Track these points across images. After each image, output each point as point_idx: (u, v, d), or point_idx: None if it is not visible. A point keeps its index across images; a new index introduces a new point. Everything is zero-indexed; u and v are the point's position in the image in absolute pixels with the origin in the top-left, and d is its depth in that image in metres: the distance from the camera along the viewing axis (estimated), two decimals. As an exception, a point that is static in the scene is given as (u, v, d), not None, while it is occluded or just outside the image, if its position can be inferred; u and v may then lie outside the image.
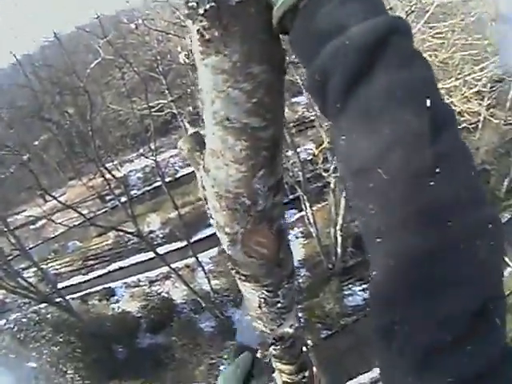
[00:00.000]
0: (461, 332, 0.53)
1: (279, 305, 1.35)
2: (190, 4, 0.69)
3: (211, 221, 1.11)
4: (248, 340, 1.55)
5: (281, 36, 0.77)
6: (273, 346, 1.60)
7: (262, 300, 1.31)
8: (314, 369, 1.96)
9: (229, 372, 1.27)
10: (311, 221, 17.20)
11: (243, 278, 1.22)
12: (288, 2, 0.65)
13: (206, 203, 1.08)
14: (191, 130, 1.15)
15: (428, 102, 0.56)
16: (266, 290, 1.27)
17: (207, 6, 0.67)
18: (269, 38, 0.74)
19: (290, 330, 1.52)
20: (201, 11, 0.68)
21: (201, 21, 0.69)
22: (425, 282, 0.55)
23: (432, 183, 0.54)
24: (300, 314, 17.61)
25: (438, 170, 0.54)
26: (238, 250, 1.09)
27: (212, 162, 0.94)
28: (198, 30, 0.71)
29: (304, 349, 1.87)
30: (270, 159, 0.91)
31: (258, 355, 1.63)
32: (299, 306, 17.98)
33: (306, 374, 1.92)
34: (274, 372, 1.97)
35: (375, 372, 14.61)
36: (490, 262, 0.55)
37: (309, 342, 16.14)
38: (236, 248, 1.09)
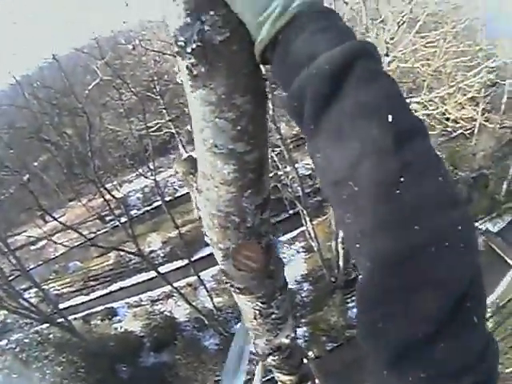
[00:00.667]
0: (434, 329, 0.55)
1: (274, 316, 1.41)
2: (178, 43, 0.75)
3: (206, 238, 1.19)
4: (236, 365, 1.59)
5: (261, 66, 0.84)
6: (271, 357, 1.64)
7: (257, 312, 1.38)
8: (317, 381, 1.99)
9: None
10: (312, 235, 17.19)
11: (238, 290, 1.30)
12: (267, 37, 0.72)
13: (201, 222, 1.17)
14: (185, 154, 1.22)
15: (390, 117, 0.60)
16: (261, 302, 1.33)
17: (194, 46, 0.74)
18: (251, 70, 0.81)
19: (287, 341, 1.58)
20: (188, 50, 0.75)
21: (189, 58, 0.76)
22: (400, 282, 0.57)
23: (398, 191, 0.57)
24: (305, 328, 17.59)
25: (402, 179, 0.57)
26: (230, 265, 1.19)
27: (204, 183, 1.04)
28: (187, 67, 0.78)
29: (305, 361, 1.94)
30: (256, 180, 1.00)
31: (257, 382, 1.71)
32: (303, 320, 17.95)
33: None
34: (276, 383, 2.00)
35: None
36: (462, 263, 0.57)
37: (310, 353, 16.06)
38: (229, 262, 1.19)
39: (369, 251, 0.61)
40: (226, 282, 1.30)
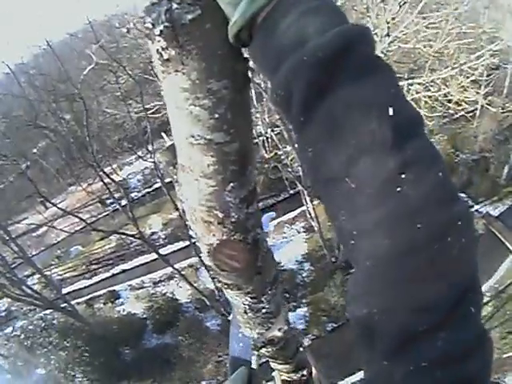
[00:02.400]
0: (435, 321, 0.55)
1: (264, 310, 1.36)
2: (146, 25, 0.69)
3: (190, 232, 1.16)
4: (241, 353, 1.57)
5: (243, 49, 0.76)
6: (264, 349, 1.62)
7: (247, 307, 1.33)
8: (313, 368, 2.00)
9: None
10: (313, 215, 17.18)
11: (225, 286, 1.24)
12: (244, 17, 0.65)
13: (184, 215, 1.10)
14: (169, 143, 1.13)
15: (391, 111, 0.57)
16: (250, 297, 1.28)
17: (162, 27, 0.67)
18: (228, 52, 0.73)
19: (279, 334, 1.54)
20: (157, 32, 0.68)
21: (158, 41, 0.69)
22: (401, 278, 0.56)
23: (398, 189, 0.56)
24: (305, 308, 17.62)
25: (403, 176, 0.56)
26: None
27: (183, 176, 0.96)
28: (157, 50, 0.71)
29: (301, 349, 1.92)
30: (239, 172, 0.91)
31: (254, 366, 1.66)
32: (304, 300, 17.98)
33: (305, 372, 1.98)
34: (273, 371, 2.01)
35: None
36: (462, 258, 0.57)
37: (305, 341, 16.14)
38: (212, 259, 1.12)
39: (367, 249, 0.59)
40: (213, 278, 1.24)
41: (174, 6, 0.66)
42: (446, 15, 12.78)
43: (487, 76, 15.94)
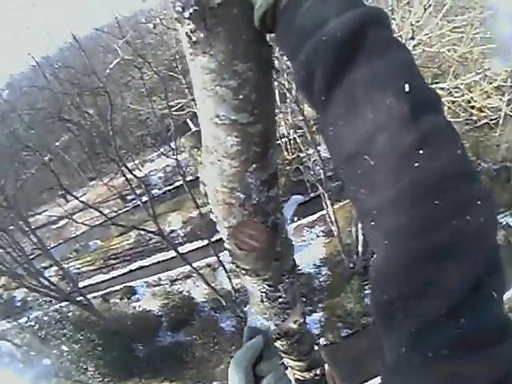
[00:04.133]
0: (453, 305, 0.54)
1: (281, 299, 1.36)
2: (176, 8, 0.71)
3: (211, 215, 1.14)
4: (259, 323, 1.51)
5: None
6: (279, 341, 1.61)
7: (264, 294, 1.33)
8: (327, 367, 1.97)
9: (239, 355, 1.25)
10: (332, 219, 17.16)
11: (243, 272, 1.24)
12: (266, 3, 0.67)
13: (207, 198, 1.10)
14: (194, 128, 1.19)
15: (407, 87, 0.57)
16: (267, 285, 1.28)
17: (191, 10, 0.69)
18: (253, 36, 0.76)
19: (295, 326, 1.53)
20: (186, 15, 0.70)
21: (188, 24, 0.72)
22: (419, 258, 0.55)
23: (416, 164, 0.55)
24: (321, 313, 17.59)
25: (421, 152, 0.55)
26: (234, 243, 1.12)
27: (207, 157, 0.98)
28: (186, 33, 0.73)
29: (316, 348, 1.89)
30: (262, 154, 0.93)
31: (270, 337, 1.57)
32: (320, 305, 17.95)
33: (318, 371, 1.94)
34: (286, 369, 1.94)
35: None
36: (482, 237, 0.56)
37: (321, 340, 16.16)
38: (232, 241, 1.12)
39: (385, 228, 0.59)
40: (232, 263, 1.24)
41: None
42: (470, 19, 12.74)
43: (511, 82, 15.77)
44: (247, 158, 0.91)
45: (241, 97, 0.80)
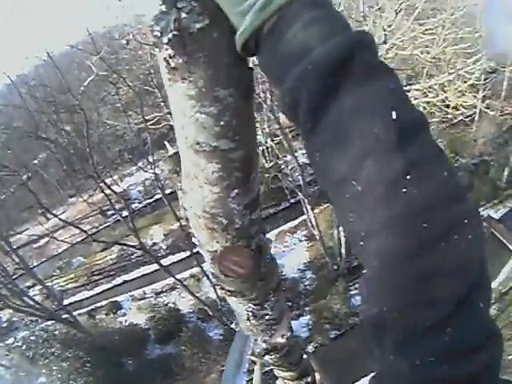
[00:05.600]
0: (441, 316, 0.57)
1: (267, 317, 1.37)
2: (154, 33, 0.70)
3: (193, 239, 1.15)
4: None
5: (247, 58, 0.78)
6: (267, 356, 1.63)
7: (250, 313, 1.34)
8: (317, 375, 1.99)
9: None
10: (314, 223, 17.19)
11: (228, 293, 1.25)
12: (250, 28, 0.67)
13: (188, 223, 1.12)
14: (172, 151, 1.17)
15: (394, 114, 0.58)
16: (253, 304, 1.29)
17: (170, 35, 0.69)
18: (234, 61, 0.75)
19: (283, 340, 1.55)
20: (165, 40, 0.69)
21: (166, 49, 0.70)
22: (409, 278, 0.58)
23: (404, 189, 0.57)
24: (308, 316, 17.60)
25: (408, 177, 0.57)
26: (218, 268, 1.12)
27: (188, 183, 0.98)
28: (164, 58, 0.72)
29: (304, 356, 1.93)
30: (243, 179, 0.93)
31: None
32: (307, 308, 17.97)
33: (309, 379, 1.98)
34: (277, 379, 2.03)
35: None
36: (470, 254, 0.58)
37: (309, 348, 16.13)
38: (217, 265, 1.12)
39: (375, 250, 0.60)
40: (216, 285, 1.26)
41: (183, 15, 0.68)
42: (442, 21, 12.83)
43: (484, 80, 15.99)
44: (229, 184, 0.91)
45: (222, 123, 0.79)
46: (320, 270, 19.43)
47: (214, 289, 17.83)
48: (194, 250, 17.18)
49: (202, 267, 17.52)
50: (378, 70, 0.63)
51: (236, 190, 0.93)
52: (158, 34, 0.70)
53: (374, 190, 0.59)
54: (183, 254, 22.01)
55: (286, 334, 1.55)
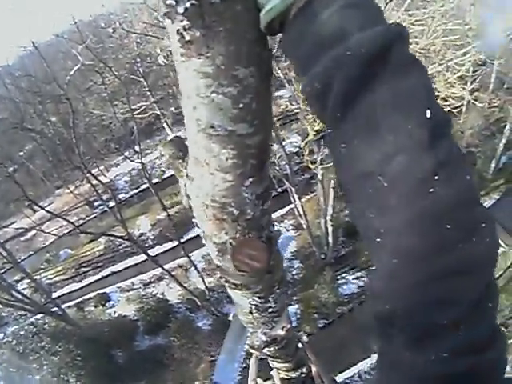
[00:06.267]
0: (458, 315, 0.58)
1: (270, 310, 1.34)
2: (168, 2, 0.62)
3: (197, 230, 1.08)
4: (225, 380, 1.52)
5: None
6: (266, 348, 1.61)
7: (253, 306, 1.30)
8: (313, 366, 1.98)
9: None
10: (301, 213, 17.22)
11: (233, 286, 1.20)
12: (282, 5, 0.63)
13: (191, 212, 1.04)
14: (172, 135, 1.10)
15: (428, 113, 0.58)
16: (258, 297, 1.26)
17: (188, 4, 0.61)
18: (256, 38, 0.69)
19: (282, 332, 1.53)
20: (180, 10, 0.62)
21: (181, 20, 0.63)
22: (428, 277, 0.58)
23: (432, 189, 0.57)
24: (296, 306, 17.66)
25: (436, 177, 0.57)
26: (227, 261, 1.07)
27: (196, 170, 0.91)
28: (177, 31, 0.65)
29: (300, 345, 1.92)
30: (259, 167, 0.87)
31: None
32: (294, 298, 18.03)
33: (304, 370, 1.98)
34: (271, 370, 2.01)
35: (374, 358, 14.73)
36: (487, 256, 0.60)
37: (304, 337, 16.25)
38: (225, 258, 1.07)
39: (394, 247, 0.60)
40: (221, 277, 1.21)
41: None
42: (432, 12, 12.83)
43: (473, 72, 16.03)
44: (243, 172, 0.85)
45: (240, 105, 0.73)
46: (307, 260, 19.51)
47: (202, 279, 17.86)
48: (182, 240, 17.19)
49: (189, 257, 17.51)
50: (414, 64, 0.61)
51: (250, 179, 0.88)
52: (173, 2, 0.62)
53: (401, 187, 0.59)
54: (171, 244, 22.06)
55: (286, 326, 1.54)
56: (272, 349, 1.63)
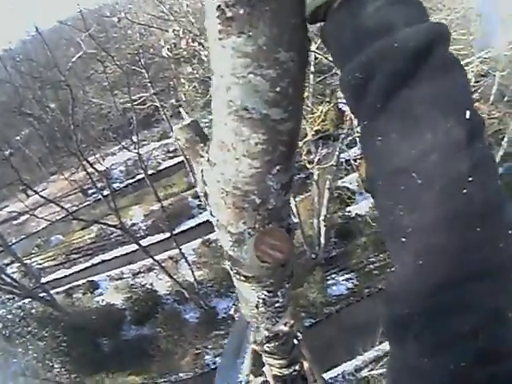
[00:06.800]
0: (479, 322, 0.57)
1: (277, 304, 1.31)
2: None
3: (212, 218, 1.02)
4: (228, 381, 1.57)
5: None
6: (267, 344, 1.60)
7: (261, 300, 1.26)
8: (305, 363, 2.01)
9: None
10: (294, 211, 17.22)
11: (243, 278, 1.16)
12: None
13: (206, 199, 0.99)
14: (189, 119, 1.06)
15: (468, 113, 0.58)
16: (267, 291, 1.22)
17: None
18: (300, 22, 0.68)
19: (285, 328, 1.51)
20: None
21: None
22: (452, 280, 0.57)
23: (465, 190, 0.56)
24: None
25: (470, 179, 0.57)
26: (243, 251, 1.03)
27: (220, 155, 0.86)
28: (218, 7, 0.63)
29: (295, 342, 1.92)
30: (287, 155, 0.84)
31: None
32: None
33: (297, 367, 1.99)
34: (263, 366, 2.01)
35: (359, 360, 14.81)
36: (510, 265, 0.59)
37: (299, 334, 16.27)
38: (241, 249, 1.02)
39: (420, 246, 0.60)
40: (231, 269, 1.15)
41: None
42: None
43: (475, 82, 16.07)
44: (271, 159, 0.82)
45: (278, 89, 0.71)
46: (298, 258, 19.38)
47: (192, 272, 17.85)
48: (174, 232, 17.19)
49: (180, 249, 17.52)
50: (455, 64, 0.62)
51: (278, 167, 0.84)
52: None
53: (434, 186, 0.58)
54: (162, 236, 21.98)
55: (289, 322, 1.50)
56: (272, 345, 1.63)
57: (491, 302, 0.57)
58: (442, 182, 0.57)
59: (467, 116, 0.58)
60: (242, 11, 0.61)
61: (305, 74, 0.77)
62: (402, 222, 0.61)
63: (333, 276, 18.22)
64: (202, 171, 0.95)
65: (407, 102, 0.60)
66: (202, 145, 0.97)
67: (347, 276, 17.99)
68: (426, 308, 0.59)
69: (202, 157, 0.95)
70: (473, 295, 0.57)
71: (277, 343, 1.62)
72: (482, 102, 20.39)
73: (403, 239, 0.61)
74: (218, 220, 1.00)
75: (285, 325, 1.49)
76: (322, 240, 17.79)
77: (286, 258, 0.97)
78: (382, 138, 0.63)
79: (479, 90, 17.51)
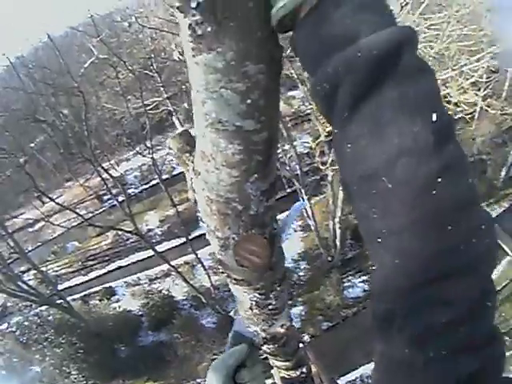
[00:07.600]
0: (458, 315, 0.59)
1: (270, 307, 1.35)
2: None
3: (201, 224, 1.13)
4: (245, 329, 1.51)
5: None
6: (265, 345, 1.61)
7: (254, 302, 1.31)
8: (313, 366, 2.02)
9: (219, 361, 1.24)
10: (309, 214, 17.20)
11: (234, 281, 1.22)
12: (290, 5, 0.64)
13: (196, 206, 1.07)
14: (181, 128, 1.10)
15: (434, 116, 0.59)
16: (258, 293, 1.27)
17: None
18: (267, 35, 0.70)
19: (282, 330, 1.53)
20: (193, 4, 0.63)
21: (193, 15, 0.64)
22: (429, 277, 0.59)
23: (434, 192, 0.57)
24: (301, 307, 17.68)
25: (439, 180, 0.57)
26: (229, 256, 1.09)
27: (202, 164, 0.92)
28: (189, 25, 0.66)
29: (301, 345, 1.91)
30: (264, 163, 0.89)
31: (255, 344, 1.62)
32: (300, 299, 18.03)
33: (304, 369, 1.97)
34: (272, 368, 2.03)
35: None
36: (487, 258, 0.62)
37: (305, 337, 16.22)
38: (227, 253, 1.09)
39: (396, 248, 0.61)
40: (223, 272, 1.23)
41: None
42: (447, 17, 12.78)
43: (487, 78, 15.99)
44: (248, 168, 0.87)
45: (249, 101, 0.74)
46: (314, 261, 19.51)
47: (208, 276, 17.89)
48: (190, 237, 17.20)
49: (196, 254, 17.53)
50: (423, 68, 0.62)
51: (255, 175, 0.89)
52: None
53: (404, 189, 0.59)
54: (178, 241, 22.02)
55: (285, 324, 1.53)
56: (271, 346, 1.64)
57: (469, 295, 0.60)
58: (412, 185, 0.59)
59: (434, 118, 0.59)
60: (209, 29, 0.65)
61: (278, 83, 0.80)
62: (377, 225, 0.63)
63: (349, 278, 18.22)
64: (191, 179, 1.03)
65: (374, 109, 0.61)
66: (187, 154, 1.07)
67: (364, 278, 17.93)
68: (406, 303, 0.62)
69: (189, 166, 1.04)
70: (451, 290, 0.59)
71: (275, 345, 1.64)
72: (495, 98, 20.30)
73: (379, 240, 0.63)
74: (207, 226, 1.07)
75: (281, 327, 1.52)
76: (338, 242, 17.76)
77: (263, 263, 1.06)
78: (351, 144, 0.64)
79: (491, 86, 17.43)
